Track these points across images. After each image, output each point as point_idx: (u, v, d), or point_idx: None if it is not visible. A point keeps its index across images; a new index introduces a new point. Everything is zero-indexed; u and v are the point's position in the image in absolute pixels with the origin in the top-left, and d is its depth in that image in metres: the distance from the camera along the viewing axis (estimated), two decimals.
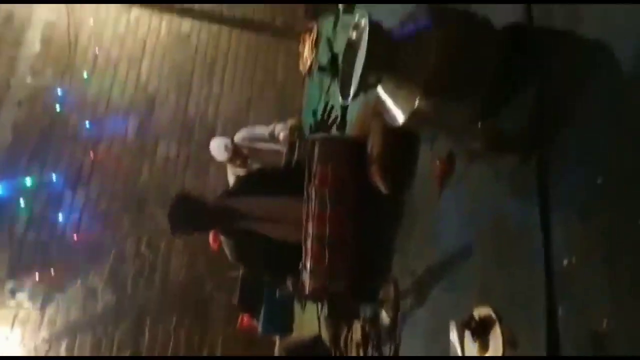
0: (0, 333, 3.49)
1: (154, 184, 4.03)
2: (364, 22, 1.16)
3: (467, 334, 1.10)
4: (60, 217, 3.80)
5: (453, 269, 1.28)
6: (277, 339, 3.08)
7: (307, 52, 4.02)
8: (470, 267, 1.20)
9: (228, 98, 4.39)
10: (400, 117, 1.13)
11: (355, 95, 1.19)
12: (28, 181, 3.79)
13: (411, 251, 1.56)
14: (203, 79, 4.38)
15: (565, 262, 0.89)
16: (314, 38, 4.00)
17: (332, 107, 2.57)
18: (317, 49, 3.90)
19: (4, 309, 3.57)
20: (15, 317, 3.58)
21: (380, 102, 1.21)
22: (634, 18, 0.83)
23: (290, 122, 3.50)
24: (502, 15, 1.20)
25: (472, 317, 1.08)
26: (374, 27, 1.13)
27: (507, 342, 1.00)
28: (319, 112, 2.71)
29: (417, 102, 1.07)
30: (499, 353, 1.02)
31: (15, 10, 4.06)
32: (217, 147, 3.45)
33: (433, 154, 1.46)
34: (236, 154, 3.44)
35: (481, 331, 1.06)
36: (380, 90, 1.18)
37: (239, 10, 4.46)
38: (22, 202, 3.73)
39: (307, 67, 4.11)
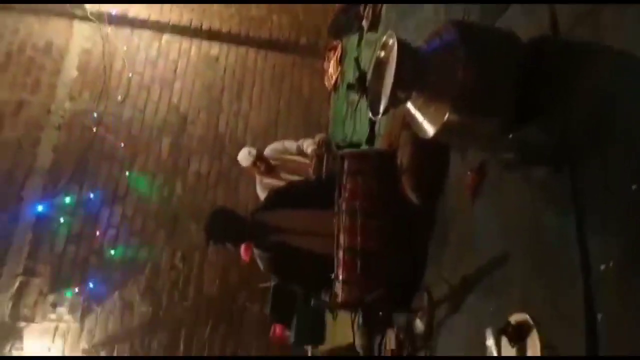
0: (42, 344, 3.66)
1: (187, 199, 4.17)
2: (392, 41, 1.24)
3: (504, 340, 1.12)
4: (98, 233, 3.96)
5: (488, 277, 1.30)
6: (309, 349, 3.13)
7: (332, 69, 4.14)
8: (506, 275, 1.22)
9: (256, 115, 4.53)
10: (430, 130, 1.20)
11: (385, 111, 1.27)
12: (67, 200, 3.98)
13: (445, 260, 1.59)
14: (232, 98, 4.53)
15: (602, 267, 0.92)
16: (339, 55, 4.13)
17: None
18: (342, 65, 4.02)
19: (46, 321, 3.73)
20: (56, 329, 3.73)
21: (410, 116, 1.29)
22: None
23: (319, 137, 3.61)
24: (527, 30, 1.25)
25: (508, 323, 1.10)
26: (403, 46, 1.21)
27: (546, 346, 1.02)
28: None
29: (446, 117, 1.13)
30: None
31: (53, 39, 4.30)
32: (243, 154, 3.64)
33: (464, 164, 1.51)
34: (259, 159, 3.60)
35: (518, 336, 1.08)
36: (409, 105, 1.24)
37: (265, 32, 4.62)
38: (62, 219, 3.92)
39: (333, 83, 4.24)
